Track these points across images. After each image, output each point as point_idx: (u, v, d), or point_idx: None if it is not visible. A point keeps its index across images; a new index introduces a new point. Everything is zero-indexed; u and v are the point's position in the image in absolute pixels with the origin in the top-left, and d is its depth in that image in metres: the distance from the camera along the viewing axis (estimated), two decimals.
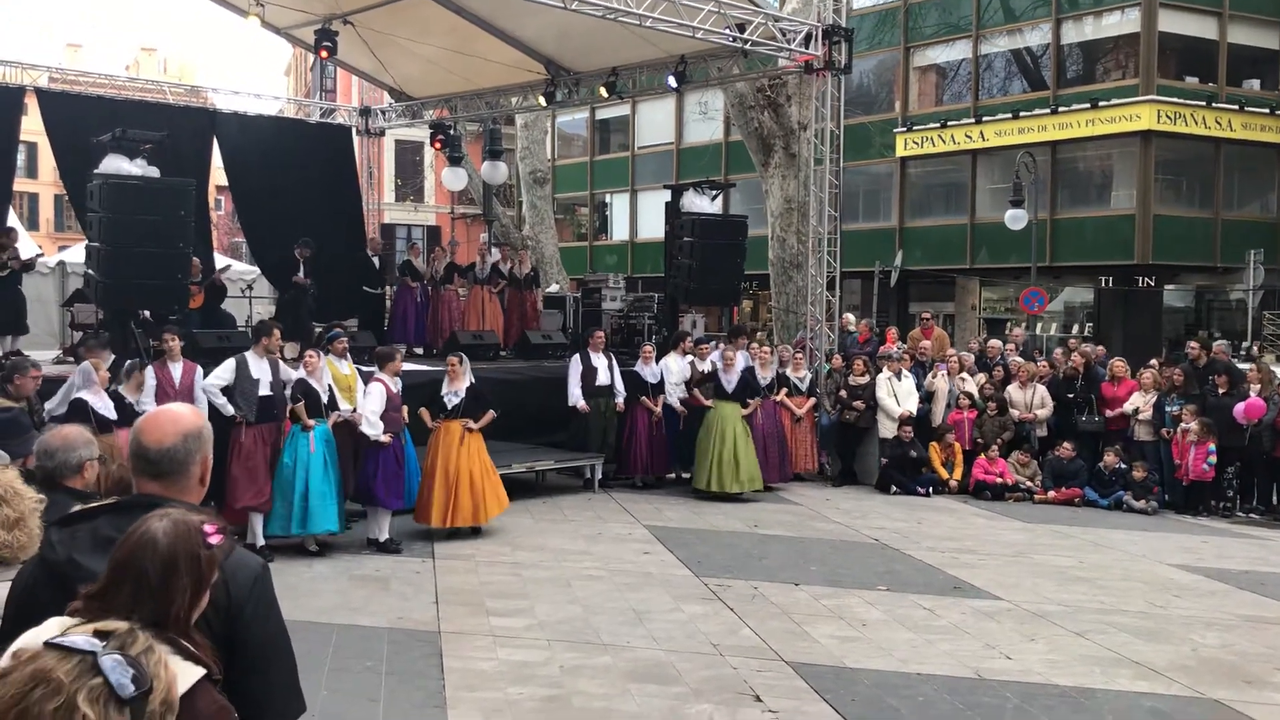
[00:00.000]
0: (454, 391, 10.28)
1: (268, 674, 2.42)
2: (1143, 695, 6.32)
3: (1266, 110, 25.23)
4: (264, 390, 9.53)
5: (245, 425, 9.37)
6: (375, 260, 17.00)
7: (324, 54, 14.23)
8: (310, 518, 9.25)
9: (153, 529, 2.10)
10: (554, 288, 20.88)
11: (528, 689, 6.18)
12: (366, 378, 10.18)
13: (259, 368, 9.61)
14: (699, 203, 14.63)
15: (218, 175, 19.55)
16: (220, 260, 19.40)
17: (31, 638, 1.92)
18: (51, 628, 1.97)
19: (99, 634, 1.80)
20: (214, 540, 2.15)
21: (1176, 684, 6.50)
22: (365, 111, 20.68)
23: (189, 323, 13.21)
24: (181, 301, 12.12)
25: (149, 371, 9.74)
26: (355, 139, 20.40)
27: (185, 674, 1.93)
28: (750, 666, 6.66)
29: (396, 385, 9.99)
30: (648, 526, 10.84)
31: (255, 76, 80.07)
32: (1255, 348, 21.60)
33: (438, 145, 19.87)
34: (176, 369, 9.84)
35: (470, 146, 25.52)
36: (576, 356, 13.05)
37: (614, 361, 13.11)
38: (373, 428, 9.61)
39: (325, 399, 9.58)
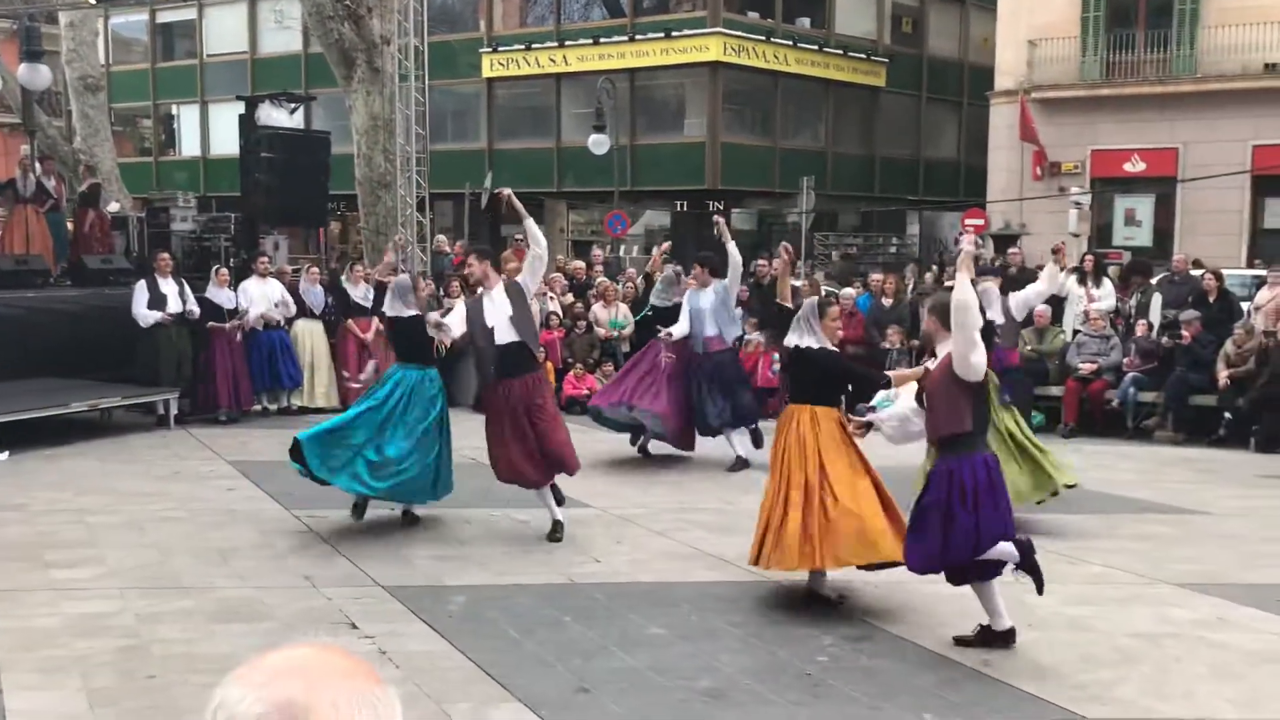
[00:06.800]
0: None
1: None
2: (714, 584, 6.88)
3: (816, 47, 27.70)
4: None
5: None
6: None
7: None
8: None
9: None
10: (114, 206, 18.95)
11: (99, 641, 5.67)
12: None
13: None
14: (277, 116, 13.85)
15: None
16: None
17: None
18: None
19: None
20: None
21: (740, 569, 7.11)
22: None
23: None
24: None
25: None
26: None
27: None
28: (345, 595, 6.51)
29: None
30: (232, 462, 10.24)
31: None
32: (809, 266, 23.85)
33: None
34: None
35: (4, 45, 22.40)
36: (142, 283, 11.98)
37: (186, 287, 12.15)
38: None
39: None
